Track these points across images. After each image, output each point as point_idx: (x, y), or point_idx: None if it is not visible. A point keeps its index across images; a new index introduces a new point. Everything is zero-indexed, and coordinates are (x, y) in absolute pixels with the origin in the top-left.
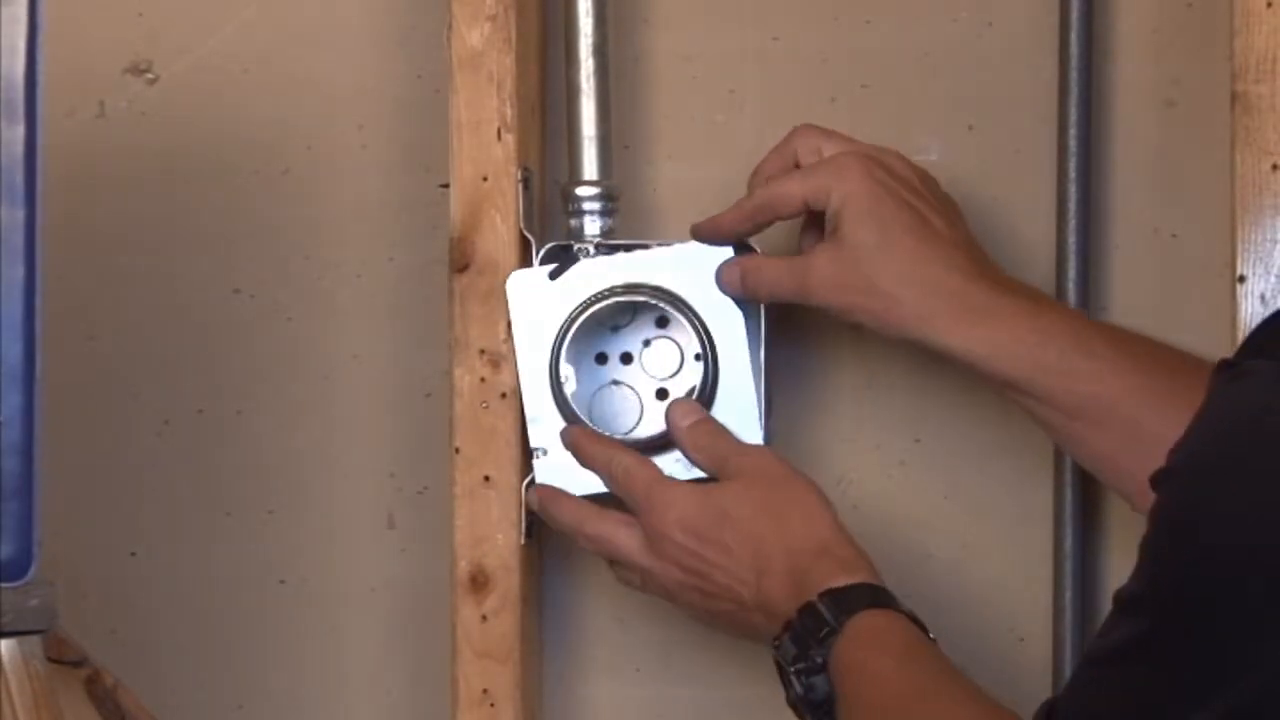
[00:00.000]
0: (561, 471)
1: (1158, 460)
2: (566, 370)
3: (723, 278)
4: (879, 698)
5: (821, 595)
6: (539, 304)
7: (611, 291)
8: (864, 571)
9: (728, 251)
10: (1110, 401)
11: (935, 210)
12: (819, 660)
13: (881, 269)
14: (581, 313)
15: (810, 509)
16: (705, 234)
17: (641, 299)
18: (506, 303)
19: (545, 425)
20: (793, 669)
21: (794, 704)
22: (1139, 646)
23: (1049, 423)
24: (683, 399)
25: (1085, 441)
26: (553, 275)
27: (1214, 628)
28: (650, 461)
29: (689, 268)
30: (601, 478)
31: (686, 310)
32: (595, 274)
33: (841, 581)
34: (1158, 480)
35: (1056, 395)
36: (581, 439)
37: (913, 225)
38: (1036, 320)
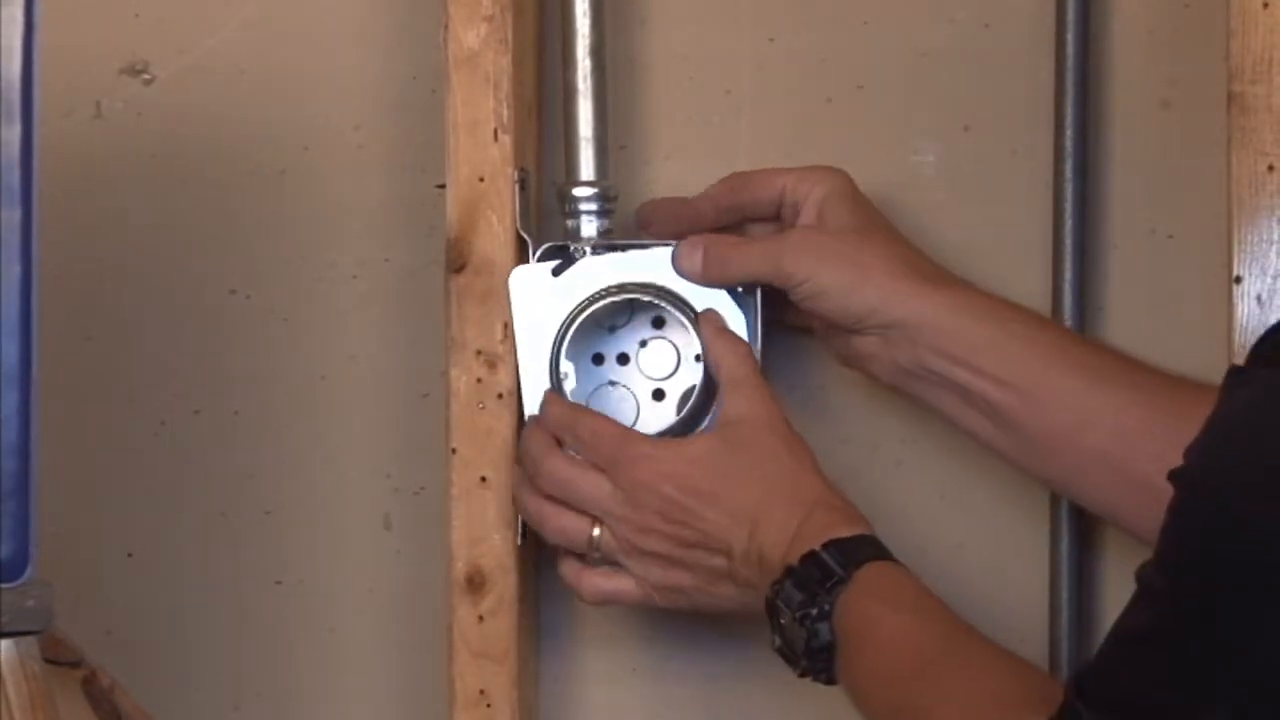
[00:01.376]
0: None
1: (1100, 446)
2: (566, 367)
3: (681, 261)
4: (899, 651)
5: (825, 545)
6: (541, 301)
7: (622, 288)
8: (862, 525)
9: None
10: (1063, 375)
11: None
12: (825, 607)
13: (858, 246)
14: (583, 310)
15: (804, 461)
16: (685, 222)
17: (644, 298)
18: (507, 300)
19: None
20: (797, 614)
21: (781, 649)
22: (1154, 635)
23: (994, 404)
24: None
25: (1025, 423)
26: (555, 271)
27: (1217, 629)
28: (616, 421)
29: None
30: (570, 446)
31: (686, 311)
32: (598, 272)
33: (844, 533)
34: (1174, 477)
35: (1012, 365)
36: (551, 403)
37: (886, 226)
38: (996, 297)
